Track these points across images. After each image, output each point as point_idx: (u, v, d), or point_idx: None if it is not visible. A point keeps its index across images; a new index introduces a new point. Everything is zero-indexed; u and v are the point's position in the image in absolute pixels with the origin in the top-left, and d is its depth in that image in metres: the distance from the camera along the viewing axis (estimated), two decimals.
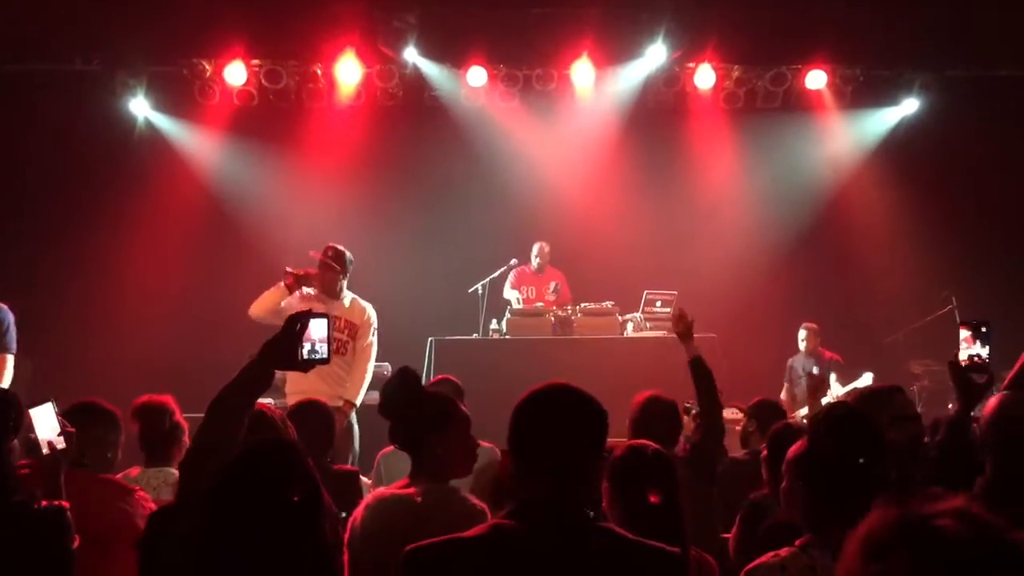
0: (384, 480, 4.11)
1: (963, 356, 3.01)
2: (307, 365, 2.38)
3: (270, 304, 5.97)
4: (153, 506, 3.30)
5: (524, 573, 1.85)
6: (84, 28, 8.44)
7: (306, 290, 6.07)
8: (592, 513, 1.94)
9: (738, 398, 5.70)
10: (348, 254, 6.19)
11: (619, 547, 1.88)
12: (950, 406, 4.08)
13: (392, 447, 3.77)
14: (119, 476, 3.77)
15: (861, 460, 2.42)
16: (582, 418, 1.95)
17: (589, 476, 1.94)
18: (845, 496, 2.36)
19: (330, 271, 6.08)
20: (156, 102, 9.23)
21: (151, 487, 3.67)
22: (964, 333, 3.02)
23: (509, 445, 1.96)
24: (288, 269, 6.05)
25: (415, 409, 2.78)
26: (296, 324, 2.37)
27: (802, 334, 8.27)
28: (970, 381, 2.95)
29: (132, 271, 8.96)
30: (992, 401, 2.74)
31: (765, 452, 3.22)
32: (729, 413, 4.90)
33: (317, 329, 2.39)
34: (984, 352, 2.97)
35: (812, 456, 2.43)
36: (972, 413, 3.01)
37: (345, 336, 6.12)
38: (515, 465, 1.94)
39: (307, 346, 2.37)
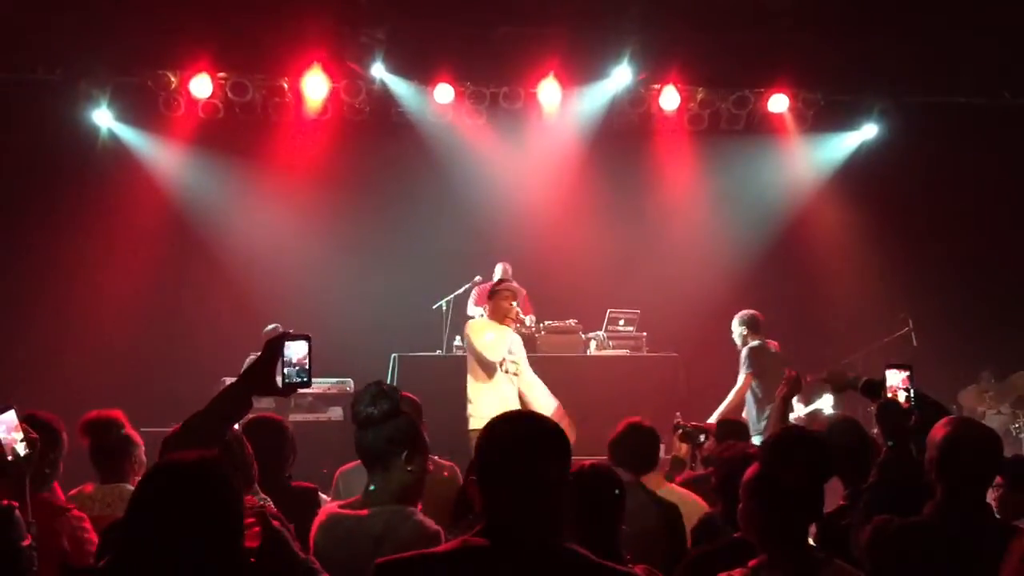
0: (343, 497, 4.07)
1: (901, 398, 3.03)
2: (288, 390, 2.25)
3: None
4: (88, 525, 3.22)
5: None
6: (47, 37, 8.33)
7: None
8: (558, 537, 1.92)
9: (699, 415, 5.76)
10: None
11: (585, 569, 1.90)
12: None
13: (352, 464, 3.74)
14: (74, 492, 3.70)
15: (811, 483, 2.48)
16: (549, 449, 1.92)
17: (556, 502, 1.91)
18: (797, 517, 2.43)
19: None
20: (120, 113, 9.13)
21: (106, 504, 3.59)
22: (892, 374, 3.04)
23: (476, 474, 1.93)
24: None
25: (394, 423, 2.69)
26: (274, 347, 2.23)
27: None
28: (899, 422, 3.00)
29: (94, 282, 8.83)
30: (939, 426, 2.76)
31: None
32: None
33: (296, 351, 2.25)
34: (911, 394, 3.00)
35: (764, 479, 2.49)
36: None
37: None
38: (482, 493, 1.91)
39: (285, 370, 2.23)
